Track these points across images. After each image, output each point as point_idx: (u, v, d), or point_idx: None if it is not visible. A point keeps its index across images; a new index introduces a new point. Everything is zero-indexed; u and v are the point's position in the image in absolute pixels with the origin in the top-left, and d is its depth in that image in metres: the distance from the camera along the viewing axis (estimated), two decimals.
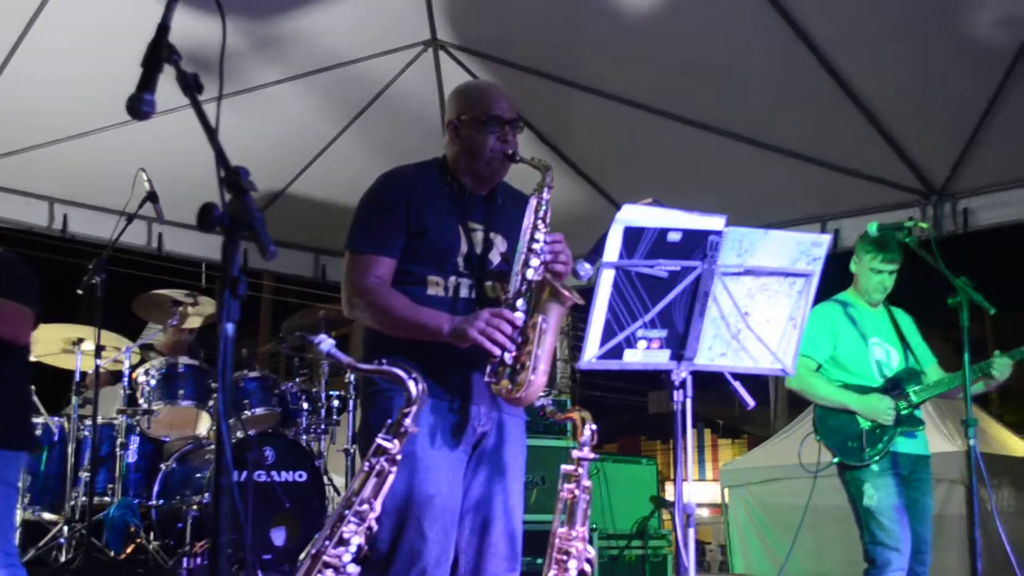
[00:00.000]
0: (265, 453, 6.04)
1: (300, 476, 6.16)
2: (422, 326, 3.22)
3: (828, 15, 5.87)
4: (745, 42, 6.19)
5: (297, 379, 7.02)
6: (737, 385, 3.57)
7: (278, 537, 5.94)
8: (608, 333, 3.18)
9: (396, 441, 2.85)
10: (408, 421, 2.87)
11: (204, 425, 6.62)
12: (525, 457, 3.52)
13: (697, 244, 3.17)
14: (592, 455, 3.30)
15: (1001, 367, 4.80)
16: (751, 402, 3.61)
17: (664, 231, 3.13)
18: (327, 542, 2.78)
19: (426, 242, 3.32)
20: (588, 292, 3.16)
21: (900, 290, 5.14)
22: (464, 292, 3.36)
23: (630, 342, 3.21)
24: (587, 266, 3.53)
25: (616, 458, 7.97)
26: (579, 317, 17.61)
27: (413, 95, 7.04)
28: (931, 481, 5.03)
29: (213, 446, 6.09)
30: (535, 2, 6.31)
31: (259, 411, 6.61)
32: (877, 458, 4.81)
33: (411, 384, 2.87)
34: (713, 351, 3.33)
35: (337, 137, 7.41)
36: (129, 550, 5.90)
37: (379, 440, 2.84)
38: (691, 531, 3.32)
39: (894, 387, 4.94)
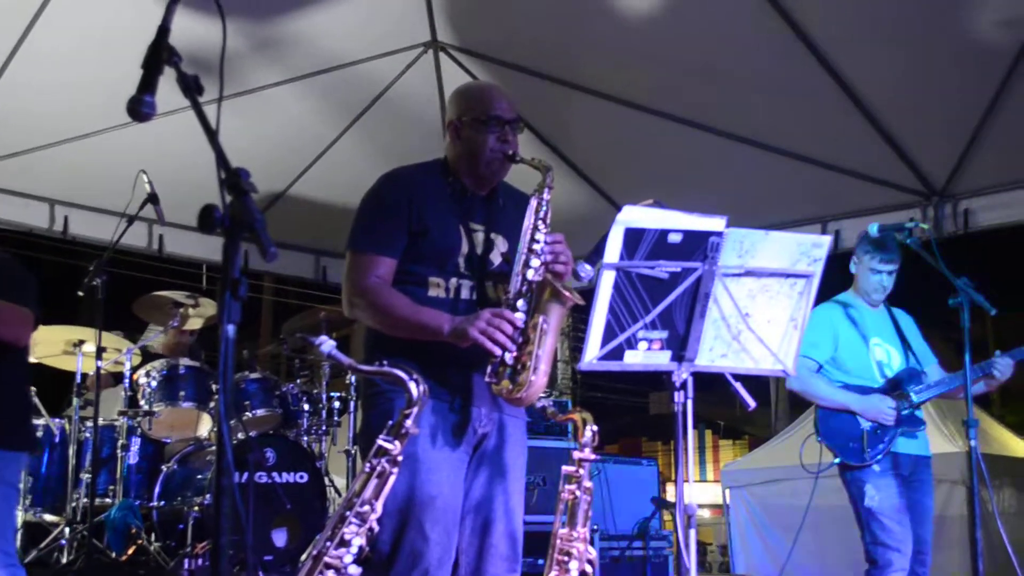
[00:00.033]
0: (266, 454, 6.04)
1: (301, 477, 6.15)
2: (422, 326, 3.22)
3: (828, 16, 5.86)
4: (745, 43, 6.18)
5: (298, 380, 7.04)
6: (738, 386, 3.55)
7: (279, 538, 5.93)
8: (609, 334, 3.18)
9: (397, 442, 2.84)
10: (409, 422, 2.86)
11: (205, 426, 6.61)
12: (526, 458, 3.51)
13: (698, 245, 3.16)
14: (593, 456, 3.29)
15: (1002, 367, 4.80)
16: (752, 403, 3.59)
17: (665, 232, 3.12)
18: (328, 543, 2.77)
19: (427, 242, 3.32)
20: (589, 293, 3.16)
21: (901, 291, 5.13)
22: (465, 293, 3.36)
23: (631, 343, 3.21)
24: (588, 267, 3.52)
25: (617, 459, 7.94)
26: (580, 318, 17.64)
27: (413, 97, 7.03)
28: (932, 482, 5.02)
29: (214, 447, 6.07)
30: (535, 3, 6.30)
31: (260, 412, 6.62)
32: (879, 458, 4.80)
33: (412, 385, 2.87)
34: (714, 352, 3.32)
35: (338, 139, 7.40)
36: (130, 551, 5.90)
37: (380, 441, 2.84)
38: (692, 532, 3.32)
39: (895, 387, 4.93)
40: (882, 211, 7.00)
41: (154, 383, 6.42)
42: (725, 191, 7.28)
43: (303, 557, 5.74)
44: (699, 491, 25.59)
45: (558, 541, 3.25)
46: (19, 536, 5.94)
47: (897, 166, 6.73)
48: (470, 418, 3.31)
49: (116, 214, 6.70)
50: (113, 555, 5.84)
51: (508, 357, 3.14)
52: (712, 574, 14.41)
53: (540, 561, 3.52)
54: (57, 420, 6.33)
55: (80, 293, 6.09)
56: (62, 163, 7.01)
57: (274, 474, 6.05)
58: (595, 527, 6.72)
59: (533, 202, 3.29)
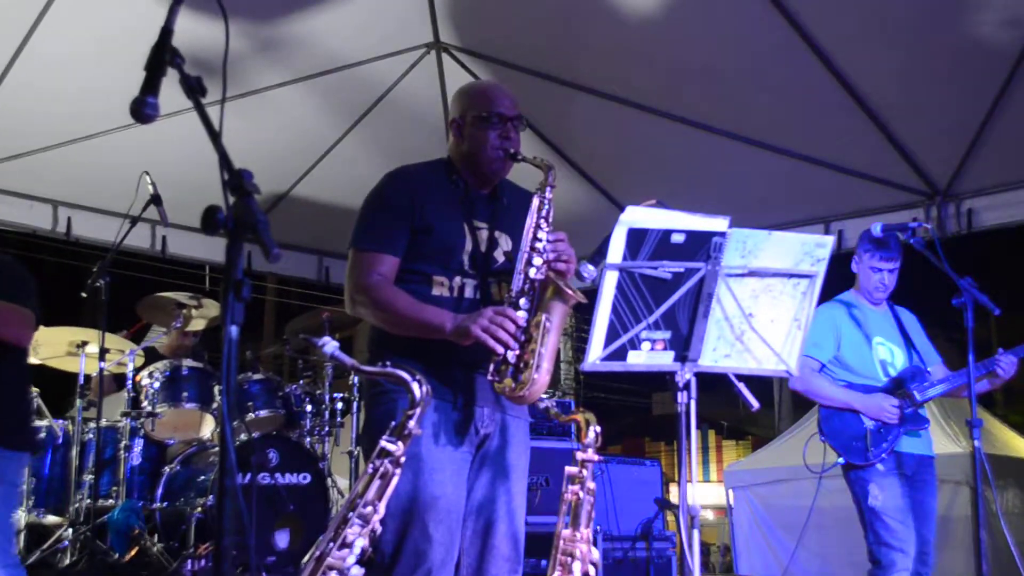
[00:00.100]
0: (269, 455, 6.02)
1: (304, 478, 6.14)
2: (424, 324, 3.22)
3: (831, 15, 5.84)
4: (748, 43, 6.17)
5: (301, 381, 7.02)
6: (741, 386, 3.60)
7: (282, 540, 5.91)
8: (612, 335, 3.19)
9: (400, 443, 2.84)
10: (412, 423, 2.85)
11: (208, 427, 6.60)
12: (529, 459, 3.51)
13: (701, 245, 3.18)
14: (596, 457, 3.28)
15: (1005, 365, 4.80)
16: (755, 403, 3.64)
17: (668, 232, 3.14)
18: (331, 545, 2.76)
19: (431, 240, 3.33)
20: (592, 294, 3.17)
21: (904, 291, 5.14)
22: (469, 292, 3.36)
23: (634, 344, 3.23)
24: (590, 267, 3.57)
25: (620, 460, 7.92)
26: (583, 319, 17.69)
27: (416, 97, 7.02)
28: (935, 482, 5.01)
29: (217, 448, 6.14)
30: (538, 4, 6.28)
31: (263, 413, 6.60)
32: (884, 456, 4.80)
33: (415, 386, 2.86)
34: (717, 352, 3.34)
35: (341, 140, 7.39)
36: (133, 553, 5.88)
37: (383, 442, 2.83)
38: (696, 533, 3.33)
39: (898, 386, 4.93)
40: (885, 211, 6.99)
41: (157, 384, 6.40)
42: (728, 191, 7.27)
43: (305, 559, 5.78)
44: (702, 492, 25.56)
45: (561, 542, 3.24)
46: (21, 537, 5.94)
47: (900, 166, 6.71)
48: (473, 418, 3.31)
49: (119, 215, 6.70)
50: (115, 556, 5.82)
51: (510, 355, 3.14)
52: (715, 575, 14.39)
53: (543, 562, 3.53)
54: (60, 421, 6.31)
55: (83, 294, 6.09)
56: (65, 164, 7.00)
57: (277, 475, 6.02)
58: (598, 528, 6.69)
59: (535, 200, 3.30)
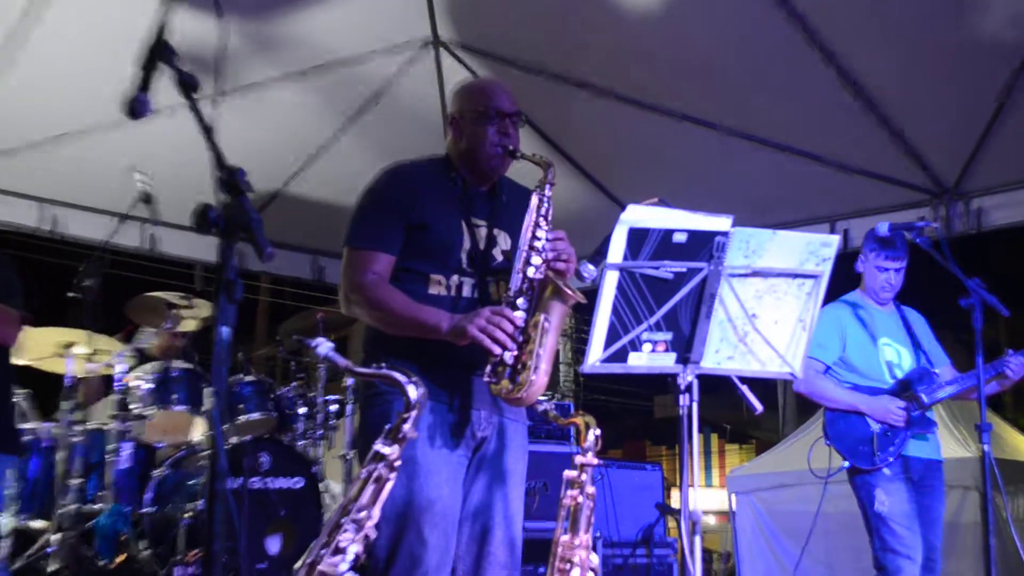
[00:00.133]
0: (260, 459, 5.96)
1: (296, 483, 6.09)
2: (420, 323, 3.20)
3: (836, 12, 5.81)
4: (751, 39, 6.13)
5: (294, 383, 6.96)
6: (744, 389, 3.57)
7: (273, 545, 5.86)
8: (612, 336, 3.19)
9: (395, 447, 2.81)
10: (407, 426, 2.83)
11: (198, 430, 6.52)
12: (527, 463, 3.51)
13: (703, 245, 3.18)
14: (596, 461, 3.26)
15: (1015, 366, 4.78)
16: (759, 406, 3.60)
17: (669, 232, 3.14)
18: (323, 551, 2.74)
19: (428, 237, 3.32)
20: (592, 294, 3.17)
21: (912, 291, 5.12)
22: (467, 291, 3.35)
23: (635, 345, 3.22)
24: (591, 267, 3.55)
25: (621, 464, 7.91)
26: (583, 320, 17.69)
27: (413, 94, 7.01)
28: (943, 487, 4.98)
29: (207, 452, 6.07)
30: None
31: (255, 416, 6.52)
32: (890, 460, 4.78)
33: (411, 388, 2.85)
34: (720, 354, 3.33)
35: (336, 137, 7.37)
36: (120, 559, 5.83)
37: (377, 446, 2.81)
38: (697, 539, 3.32)
39: (905, 388, 4.90)
40: (891, 210, 6.96)
41: (146, 386, 6.34)
42: (731, 190, 7.25)
43: (298, 565, 5.71)
44: (705, 497, 25.62)
45: (560, 548, 3.21)
46: (7, 543, 5.87)
47: (907, 164, 6.67)
48: (469, 420, 3.30)
49: (108, 213, 6.64)
50: (102, 562, 5.77)
51: (508, 356, 3.13)
52: None
53: (541, 569, 3.54)
54: (46, 424, 6.25)
55: (71, 294, 6.05)
56: (54, 161, 6.96)
57: (268, 479, 5.97)
58: (598, 534, 6.70)
59: (534, 199, 3.30)
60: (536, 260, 3.20)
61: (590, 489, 3.26)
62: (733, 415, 27.61)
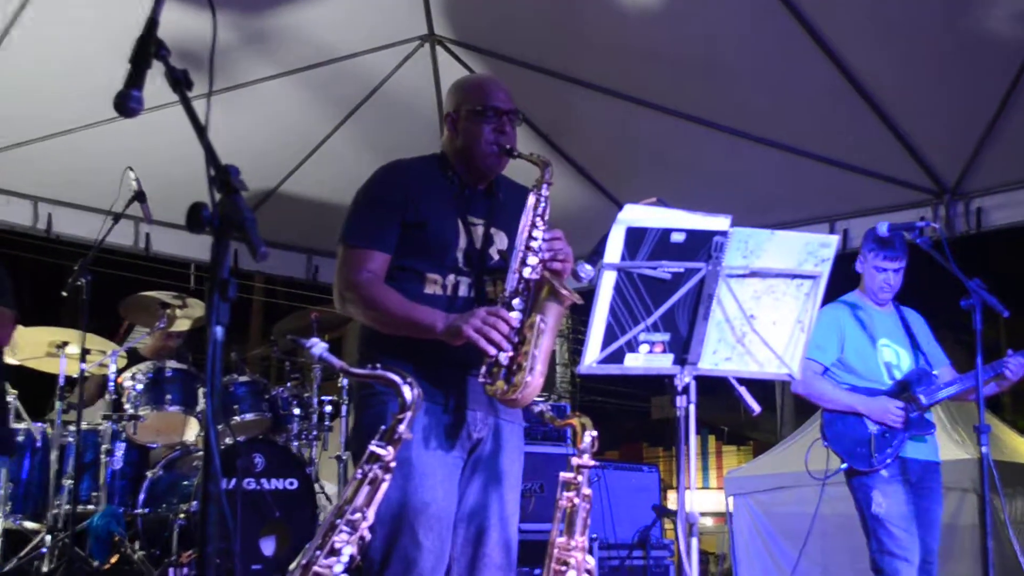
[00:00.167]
0: (255, 460, 5.94)
1: (291, 484, 6.06)
2: (415, 323, 3.19)
3: (836, 10, 5.79)
4: (751, 37, 6.12)
5: (288, 383, 6.95)
6: (742, 390, 3.53)
7: (268, 547, 5.84)
8: (609, 337, 3.17)
9: (390, 448, 2.80)
10: (402, 427, 2.82)
11: (192, 431, 6.52)
12: (523, 464, 3.49)
13: (701, 245, 3.16)
14: (592, 462, 3.25)
15: (1014, 367, 4.76)
16: (756, 408, 3.57)
17: (667, 231, 3.12)
18: (318, 552, 2.74)
19: (424, 235, 3.30)
20: (589, 294, 3.14)
21: (912, 292, 5.10)
22: (463, 291, 3.33)
23: (632, 346, 3.20)
24: (588, 267, 3.53)
25: (617, 465, 7.92)
26: (580, 320, 17.68)
27: (409, 91, 6.98)
28: (941, 489, 4.97)
29: (201, 453, 6.05)
30: None
31: (249, 416, 6.51)
32: (888, 461, 4.76)
33: (406, 389, 2.83)
34: (717, 355, 3.31)
35: (331, 135, 7.34)
36: (114, 560, 5.82)
37: (372, 447, 2.80)
38: (694, 541, 3.28)
39: (904, 390, 4.88)
40: (892, 210, 6.94)
41: (139, 386, 6.32)
42: (730, 189, 7.23)
43: (292, 566, 5.70)
44: (702, 499, 25.74)
45: (555, 550, 3.20)
46: None
47: (907, 163, 6.65)
48: (465, 421, 3.28)
49: (101, 212, 6.63)
50: (96, 564, 5.74)
51: (503, 357, 3.11)
52: None
53: (537, 571, 3.52)
54: (39, 424, 6.25)
55: (64, 293, 6.01)
56: (46, 159, 6.93)
57: (263, 480, 5.94)
58: (594, 536, 6.71)
59: (531, 198, 3.28)
60: (532, 260, 3.19)
61: (586, 491, 3.25)
62: (731, 416, 27.64)
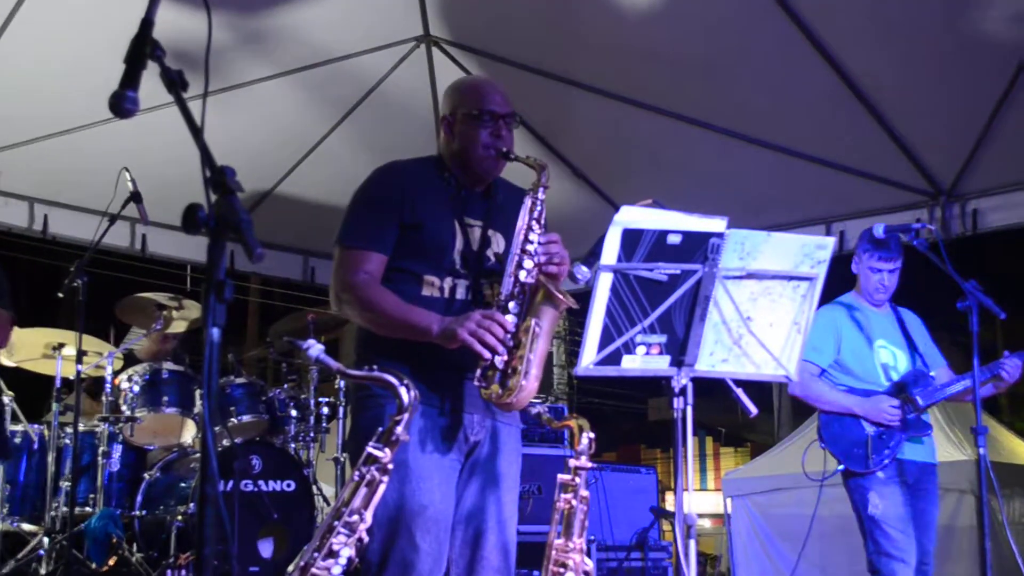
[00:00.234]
0: (252, 462, 5.93)
1: (288, 486, 6.05)
2: (411, 325, 3.18)
3: (833, 11, 5.78)
4: (748, 38, 6.10)
5: (285, 385, 6.92)
6: (739, 392, 3.55)
7: (265, 549, 5.83)
8: (606, 338, 3.16)
9: (387, 450, 2.81)
10: (399, 429, 2.83)
11: (189, 433, 6.50)
12: (520, 466, 3.48)
13: (698, 247, 3.15)
14: (590, 464, 3.26)
15: (1010, 368, 4.76)
16: (754, 409, 3.59)
17: (664, 233, 3.12)
18: (316, 554, 2.75)
19: (421, 236, 3.29)
20: (585, 296, 3.14)
21: (908, 293, 5.09)
22: (460, 293, 3.32)
23: (629, 348, 3.20)
24: (584, 269, 3.57)
25: (615, 467, 7.92)
26: (576, 322, 17.67)
27: (405, 92, 6.95)
28: (937, 490, 4.96)
29: (198, 455, 6.02)
30: None
31: (246, 418, 6.50)
32: (885, 463, 4.76)
33: (403, 391, 2.84)
34: (714, 357, 3.31)
35: (327, 135, 7.31)
36: (111, 562, 5.81)
37: (369, 449, 2.80)
38: (692, 542, 3.29)
39: (900, 391, 4.87)
40: (887, 211, 6.92)
41: (136, 388, 6.31)
42: (726, 191, 7.21)
43: (290, 568, 5.68)
44: (699, 500, 25.74)
45: (553, 552, 3.21)
46: None
47: (903, 165, 6.64)
48: (462, 424, 3.27)
49: (98, 213, 6.62)
50: (93, 566, 5.74)
51: (498, 361, 3.10)
52: None
53: (535, 573, 3.52)
54: (36, 426, 6.24)
55: (60, 295, 6.00)
56: (42, 160, 6.90)
57: (260, 482, 5.93)
58: (592, 538, 6.68)
59: (527, 201, 3.28)
60: (528, 264, 3.18)
61: (584, 492, 3.26)
62: (728, 418, 27.66)
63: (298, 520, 6.00)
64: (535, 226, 3.23)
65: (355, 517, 2.77)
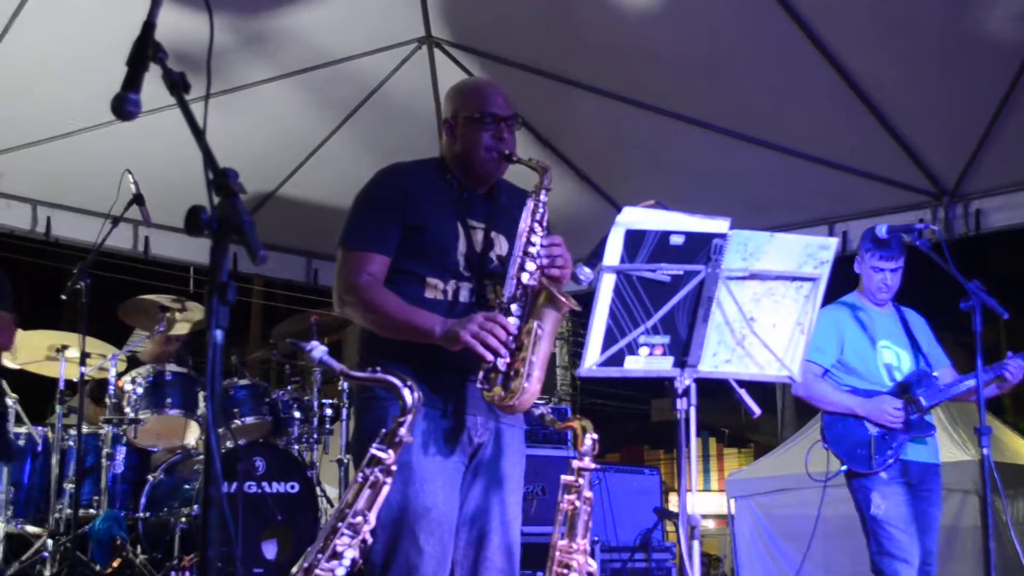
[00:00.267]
0: (256, 463, 5.95)
1: (292, 487, 6.06)
2: (414, 327, 3.17)
3: (835, 11, 5.77)
4: (750, 39, 6.09)
5: (289, 387, 6.94)
6: (743, 393, 3.53)
7: (269, 551, 5.84)
8: (609, 339, 3.16)
9: (391, 451, 2.81)
10: (403, 430, 2.83)
11: (192, 435, 6.52)
12: (524, 467, 3.48)
13: (701, 247, 3.15)
14: (593, 465, 3.25)
15: (1014, 368, 4.75)
16: (757, 410, 3.57)
17: (666, 234, 3.11)
18: (320, 555, 2.75)
19: (424, 238, 3.29)
20: (588, 297, 3.14)
21: (912, 293, 5.09)
22: (464, 296, 3.32)
23: (632, 349, 3.19)
24: (587, 270, 3.55)
25: (618, 468, 7.92)
26: (579, 323, 17.67)
27: (407, 94, 6.95)
28: (940, 491, 4.95)
29: (202, 456, 6.07)
30: None
31: (249, 420, 6.49)
32: (888, 463, 4.74)
33: (406, 392, 2.84)
34: (718, 358, 3.30)
35: (329, 137, 7.30)
36: (115, 564, 5.81)
37: (373, 450, 2.80)
38: (696, 543, 3.29)
39: (904, 391, 4.86)
40: (891, 212, 6.91)
41: (140, 390, 6.30)
42: (729, 191, 7.20)
43: (294, 570, 5.72)
44: (703, 501, 25.71)
45: (557, 553, 3.20)
46: (0, 548, 5.87)
47: (906, 165, 6.63)
48: (465, 426, 3.27)
49: (100, 215, 6.62)
50: (97, 568, 5.75)
51: (501, 363, 3.10)
52: None
53: (539, 574, 3.52)
54: (39, 428, 6.24)
55: (63, 297, 6.02)
56: (44, 163, 6.89)
57: (264, 484, 5.95)
58: (595, 539, 6.71)
59: (530, 203, 3.28)
60: (530, 266, 3.18)
61: (588, 493, 3.25)
62: (731, 419, 27.62)
63: (302, 522, 6.00)
64: (537, 228, 3.22)
65: (359, 519, 2.76)
